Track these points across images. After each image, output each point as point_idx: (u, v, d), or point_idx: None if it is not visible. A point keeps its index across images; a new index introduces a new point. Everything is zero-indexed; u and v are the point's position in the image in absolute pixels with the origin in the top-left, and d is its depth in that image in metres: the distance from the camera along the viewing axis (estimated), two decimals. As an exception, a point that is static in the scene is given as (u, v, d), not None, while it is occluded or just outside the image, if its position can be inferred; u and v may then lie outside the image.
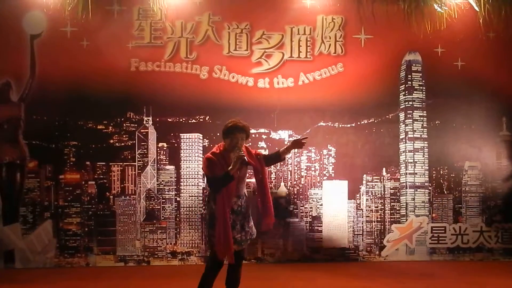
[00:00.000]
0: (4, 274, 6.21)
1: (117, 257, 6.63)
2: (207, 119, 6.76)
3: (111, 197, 6.67)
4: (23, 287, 5.73)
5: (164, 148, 6.75)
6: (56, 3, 6.34)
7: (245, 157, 4.23)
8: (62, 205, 6.59)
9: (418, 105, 6.97)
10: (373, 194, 6.94)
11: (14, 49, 6.51)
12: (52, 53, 6.54)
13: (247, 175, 4.54)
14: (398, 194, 6.96)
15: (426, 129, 6.96)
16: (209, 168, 4.23)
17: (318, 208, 6.89)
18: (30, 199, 6.54)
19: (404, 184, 6.95)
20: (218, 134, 6.55)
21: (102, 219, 6.63)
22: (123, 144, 6.70)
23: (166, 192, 6.75)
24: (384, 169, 6.95)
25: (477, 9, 6.45)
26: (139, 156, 6.71)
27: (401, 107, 6.98)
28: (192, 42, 6.76)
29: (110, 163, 6.67)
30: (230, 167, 4.18)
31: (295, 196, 6.89)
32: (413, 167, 6.94)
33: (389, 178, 6.96)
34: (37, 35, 6.55)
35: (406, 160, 6.94)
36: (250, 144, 6.71)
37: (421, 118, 6.96)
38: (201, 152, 6.69)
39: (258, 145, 6.83)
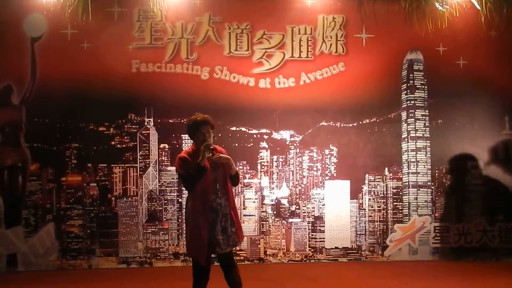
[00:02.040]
0: (7, 277, 6.21)
1: (119, 258, 6.62)
2: (208, 120, 6.73)
3: (113, 199, 6.67)
4: (26, 290, 5.75)
5: (166, 149, 6.74)
6: (56, 5, 6.32)
7: (211, 144, 4.03)
8: (64, 208, 6.58)
9: (420, 104, 6.93)
10: (376, 194, 6.91)
11: (15, 52, 6.50)
12: (52, 55, 6.53)
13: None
14: (400, 193, 6.94)
15: (428, 128, 6.93)
16: (182, 166, 4.05)
17: (320, 208, 6.87)
18: (32, 202, 6.53)
19: (407, 183, 6.92)
20: (219, 135, 6.59)
21: (104, 221, 6.62)
22: (124, 145, 6.70)
23: (168, 194, 6.74)
24: (386, 168, 6.93)
25: (478, 7, 6.41)
26: (140, 158, 6.71)
27: (403, 106, 6.95)
28: (192, 43, 6.75)
29: (112, 165, 6.67)
30: (200, 158, 3.99)
31: (298, 196, 6.88)
32: (415, 166, 6.91)
33: (391, 177, 6.93)
34: (38, 37, 6.54)
35: (409, 160, 6.92)
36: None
37: (423, 117, 6.93)
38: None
39: (260, 145, 6.82)
